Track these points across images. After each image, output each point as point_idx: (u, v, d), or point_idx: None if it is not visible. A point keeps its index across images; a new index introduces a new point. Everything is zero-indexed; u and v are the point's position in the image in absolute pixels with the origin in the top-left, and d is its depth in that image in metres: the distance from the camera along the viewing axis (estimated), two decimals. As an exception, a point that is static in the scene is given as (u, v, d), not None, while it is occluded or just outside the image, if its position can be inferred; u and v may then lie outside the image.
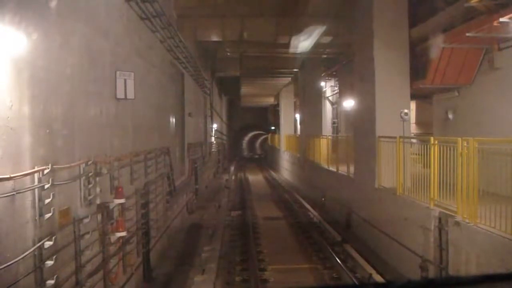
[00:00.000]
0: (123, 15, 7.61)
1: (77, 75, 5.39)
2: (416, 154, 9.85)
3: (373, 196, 11.14)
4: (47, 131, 4.52)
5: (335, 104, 24.10)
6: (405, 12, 11.01)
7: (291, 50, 16.99)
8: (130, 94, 6.99)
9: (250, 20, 14.45)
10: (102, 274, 5.98)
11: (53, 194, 4.37)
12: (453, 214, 7.40)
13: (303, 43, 15.62)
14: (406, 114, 10.87)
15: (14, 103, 3.88)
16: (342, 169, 14.49)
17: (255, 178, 32.16)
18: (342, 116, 22.42)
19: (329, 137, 18.31)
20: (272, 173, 34.53)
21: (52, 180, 4.34)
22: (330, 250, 10.77)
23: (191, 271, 9.13)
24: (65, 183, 4.84)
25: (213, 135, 27.01)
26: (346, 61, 17.90)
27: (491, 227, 6.47)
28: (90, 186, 5.52)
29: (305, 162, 22.04)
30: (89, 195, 5.52)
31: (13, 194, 3.81)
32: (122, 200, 6.48)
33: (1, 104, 3.73)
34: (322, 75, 22.64)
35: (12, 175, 3.73)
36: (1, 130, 3.70)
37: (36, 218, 4.16)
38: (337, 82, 23.04)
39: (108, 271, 6.16)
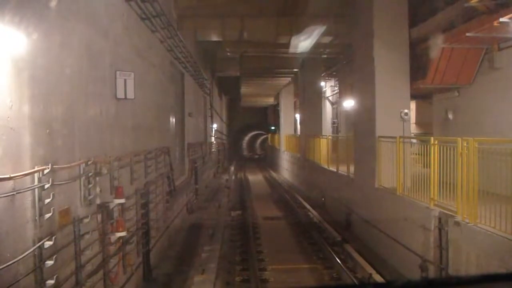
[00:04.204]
0: (123, 15, 7.61)
1: (77, 75, 5.40)
2: (416, 154, 9.85)
3: (373, 196, 11.14)
4: (47, 131, 4.52)
5: (335, 104, 24.11)
6: (405, 12, 11.02)
7: (291, 50, 16.98)
8: (130, 94, 6.99)
9: (250, 20, 14.44)
10: (102, 274, 5.98)
11: (53, 194, 4.37)
12: (453, 214, 7.40)
13: (303, 43, 15.62)
14: (406, 114, 10.90)
15: (14, 103, 3.88)
16: (342, 169, 14.49)
17: (255, 178, 32.16)
18: (342, 116, 22.42)
19: (329, 137, 18.31)
20: (272, 173, 34.52)
21: (52, 180, 4.34)
22: (330, 250, 10.78)
23: (191, 271, 9.13)
24: (65, 183, 4.84)
25: (213, 135, 27.00)
26: (346, 61, 17.90)
27: (491, 227, 6.47)
28: (90, 186, 5.52)
29: (305, 162, 22.05)
30: (89, 195, 5.52)
31: (13, 194, 3.80)
32: (122, 200, 6.48)
33: (1, 104, 3.73)
34: (322, 75, 22.64)
35: (12, 175, 3.73)
36: (1, 130, 3.70)
37: (36, 218, 4.16)
38: (337, 82, 23.04)
39: (108, 271, 6.16)
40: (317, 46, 16.28)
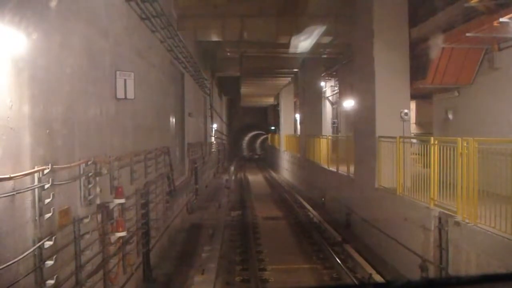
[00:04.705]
0: (123, 15, 7.61)
1: (77, 75, 5.40)
2: (416, 154, 9.86)
3: (373, 196, 11.13)
4: (47, 131, 4.52)
5: (335, 104, 24.11)
6: (405, 12, 11.02)
7: (291, 50, 16.98)
8: (130, 94, 6.99)
9: (250, 20, 14.43)
10: (102, 274, 5.98)
11: (53, 194, 4.37)
12: (453, 214, 7.40)
13: (303, 43, 15.61)
14: (406, 114, 10.90)
15: (14, 103, 3.88)
16: (342, 169, 14.49)
17: (255, 178, 32.15)
18: (342, 116, 22.42)
19: (329, 137, 18.32)
20: (272, 173, 34.53)
21: (52, 180, 4.34)
22: (330, 250, 10.78)
23: (191, 271, 9.13)
24: (65, 183, 4.84)
25: (213, 135, 27.01)
26: (346, 61, 17.90)
27: (491, 227, 6.47)
28: (90, 186, 5.52)
29: (305, 162, 22.05)
30: (89, 195, 5.52)
31: (13, 194, 3.80)
32: (122, 200, 6.48)
33: (1, 104, 3.73)
34: (322, 75, 22.64)
35: (12, 175, 3.72)
36: (1, 130, 3.70)
37: (36, 218, 4.16)
38: (337, 82, 23.04)
39: (108, 271, 6.16)
40: (317, 46, 16.28)
